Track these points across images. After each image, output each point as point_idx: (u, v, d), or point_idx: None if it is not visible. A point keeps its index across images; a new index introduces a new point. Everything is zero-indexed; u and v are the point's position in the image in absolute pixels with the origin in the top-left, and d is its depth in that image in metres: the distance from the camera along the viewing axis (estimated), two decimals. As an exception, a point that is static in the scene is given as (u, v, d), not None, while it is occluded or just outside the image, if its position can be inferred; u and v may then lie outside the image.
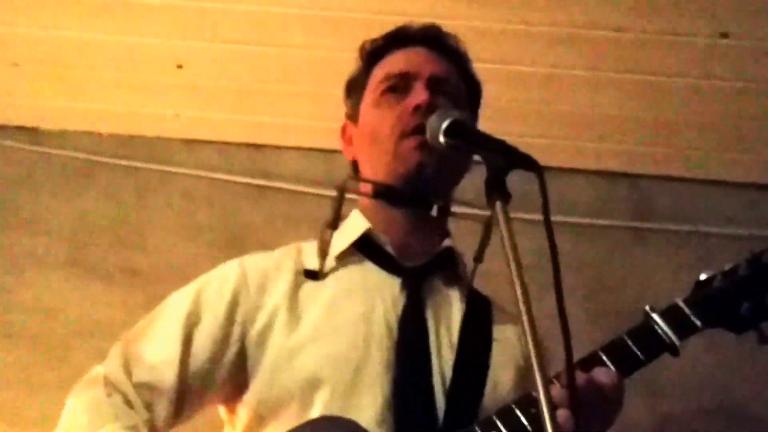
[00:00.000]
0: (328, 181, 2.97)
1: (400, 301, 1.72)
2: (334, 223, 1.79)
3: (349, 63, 2.81)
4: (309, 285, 1.74)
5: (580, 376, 1.51)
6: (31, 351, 2.91)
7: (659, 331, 1.62)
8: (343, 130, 1.95)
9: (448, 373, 1.66)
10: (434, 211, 1.77)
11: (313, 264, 1.77)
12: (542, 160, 1.37)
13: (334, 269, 1.77)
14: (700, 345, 2.82)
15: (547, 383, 1.16)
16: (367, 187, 1.83)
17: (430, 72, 1.81)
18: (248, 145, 3.19)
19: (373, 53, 1.91)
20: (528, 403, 1.54)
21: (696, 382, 2.96)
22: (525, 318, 1.21)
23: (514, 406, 1.55)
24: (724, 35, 2.66)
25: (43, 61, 2.94)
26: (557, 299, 1.29)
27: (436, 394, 1.63)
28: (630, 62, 2.79)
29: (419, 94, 1.76)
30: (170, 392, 1.65)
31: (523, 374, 1.73)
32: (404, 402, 1.61)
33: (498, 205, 1.32)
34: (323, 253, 1.77)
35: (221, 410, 1.77)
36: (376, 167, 1.81)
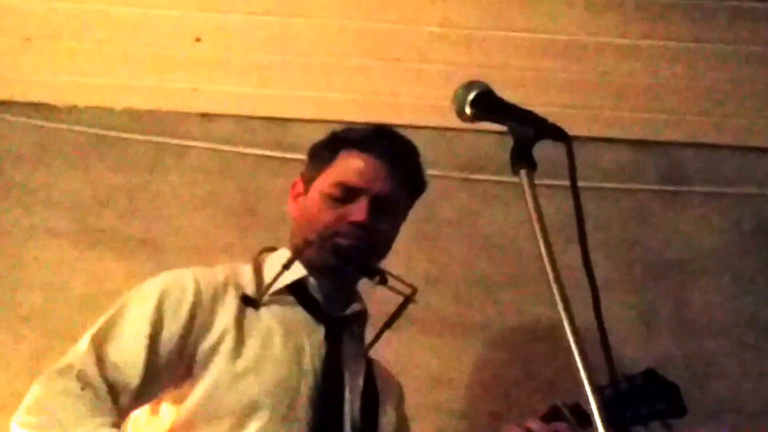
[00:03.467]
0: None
1: (323, 346, 2.01)
2: (289, 265, 2.02)
3: (368, 34, 2.76)
4: (250, 313, 1.98)
5: (544, 427, 1.86)
6: (38, 327, 2.90)
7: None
8: (295, 184, 2.18)
9: (356, 412, 2.00)
10: (375, 279, 2.05)
11: (250, 291, 2.02)
12: (570, 129, 1.39)
13: (269, 302, 2.01)
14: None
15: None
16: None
17: (377, 192, 2.04)
18: (266, 119, 3.16)
19: (343, 140, 2.11)
20: None
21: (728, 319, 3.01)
22: (552, 277, 1.29)
23: None
24: (757, -3, 2.58)
25: (56, 35, 2.89)
26: (582, 255, 1.40)
27: (345, 428, 1.96)
28: (659, 28, 2.73)
29: (358, 212, 2.01)
30: (133, 390, 1.83)
31: (399, 423, 2.14)
32: None
33: (523, 172, 1.37)
34: (260, 284, 2.03)
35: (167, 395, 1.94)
36: (302, 246, 2.04)
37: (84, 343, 1.85)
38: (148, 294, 1.93)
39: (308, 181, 2.13)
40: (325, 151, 2.13)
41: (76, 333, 1.83)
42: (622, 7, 2.67)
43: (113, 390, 1.80)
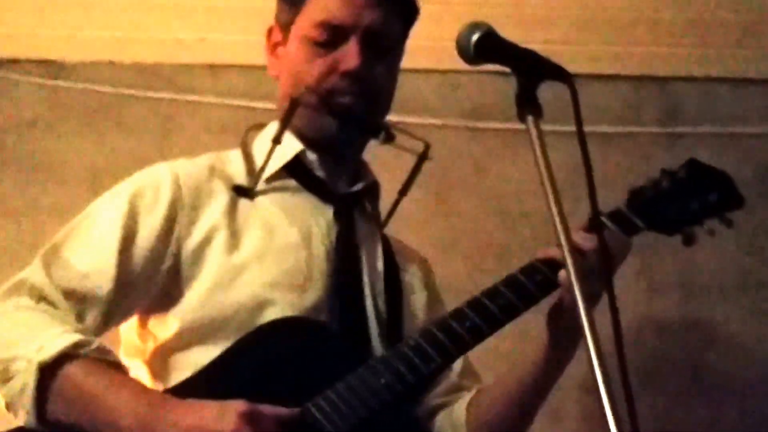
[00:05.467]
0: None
1: (334, 228, 1.81)
2: (279, 137, 1.80)
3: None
4: (244, 204, 1.78)
5: (591, 238, 1.63)
6: None
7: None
8: (269, 33, 1.91)
9: (380, 301, 1.81)
10: (381, 135, 1.82)
11: (241, 179, 1.81)
12: (568, 67, 1.40)
13: (265, 190, 1.81)
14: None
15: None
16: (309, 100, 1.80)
17: (367, 25, 1.78)
18: None
19: None
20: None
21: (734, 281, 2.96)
22: (561, 232, 1.27)
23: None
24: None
25: None
26: (592, 208, 1.35)
27: (370, 323, 1.78)
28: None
29: (350, 58, 1.75)
30: (102, 302, 1.66)
31: (429, 300, 1.95)
32: (344, 329, 1.73)
33: (530, 119, 1.35)
34: (253, 170, 1.81)
35: (127, 325, 1.77)
36: (307, 115, 1.80)
37: (39, 256, 1.68)
38: (118, 193, 1.75)
39: (285, 26, 1.86)
40: None
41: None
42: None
43: (77, 304, 1.64)
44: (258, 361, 1.66)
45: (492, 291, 1.68)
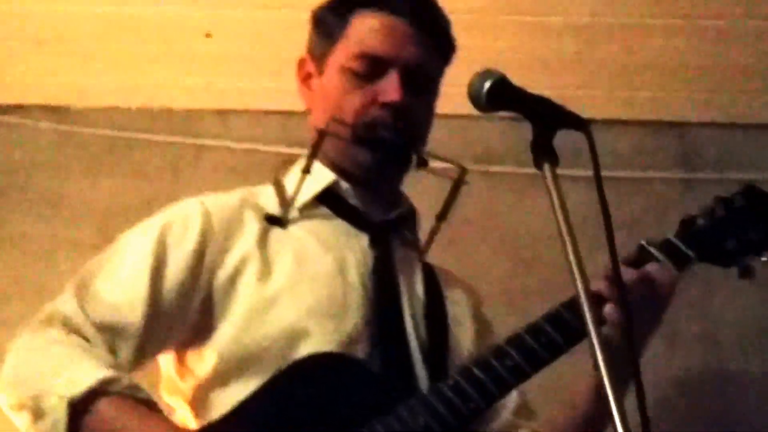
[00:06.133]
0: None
1: (370, 256, 1.73)
2: (308, 167, 1.75)
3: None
4: (276, 232, 1.72)
5: (631, 272, 1.58)
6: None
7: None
8: (301, 64, 1.88)
9: (422, 330, 1.72)
10: (413, 162, 1.76)
11: (273, 210, 1.75)
12: (583, 112, 1.36)
13: (297, 219, 1.75)
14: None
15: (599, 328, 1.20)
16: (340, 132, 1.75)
17: (407, 59, 1.74)
18: (284, 113, 3.08)
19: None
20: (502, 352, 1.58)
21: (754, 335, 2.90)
22: (579, 280, 1.22)
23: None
24: (768, -27, 2.54)
25: (66, 37, 2.87)
26: (611, 257, 1.31)
27: (412, 352, 1.69)
28: (671, 6, 2.69)
29: (391, 91, 1.71)
30: (135, 335, 1.61)
31: (479, 331, 1.84)
32: (386, 360, 1.64)
33: (546, 167, 1.32)
34: (285, 200, 1.76)
35: (166, 362, 1.73)
36: (340, 146, 1.76)
37: (69, 286, 1.64)
38: (149, 226, 1.70)
39: (319, 57, 1.82)
40: (333, 16, 1.81)
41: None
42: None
43: (109, 337, 1.58)
44: (294, 400, 1.59)
45: (534, 328, 1.59)
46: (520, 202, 2.94)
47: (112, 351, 1.59)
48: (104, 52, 2.94)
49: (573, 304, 1.52)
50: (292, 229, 1.74)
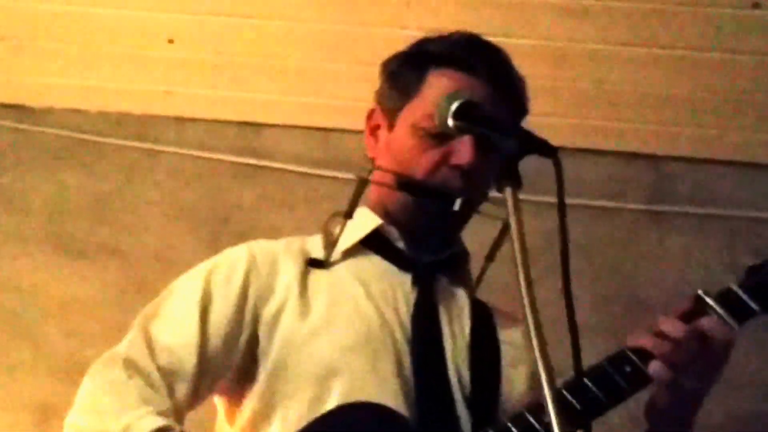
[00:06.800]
0: (323, 161, 2.95)
1: (412, 295, 1.71)
2: (350, 212, 1.74)
3: (345, 37, 2.68)
4: (317, 273, 1.72)
5: (681, 327, 1.49)
6: (8, 330, 2.91)
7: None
8: (370, 115, 1.84)
9: (464, 371, 1.67)
10: (457, 206, 1.68)
11: (318, 254, 1.75)
12: (555, 139, 1.33)
13: (339, 260, 1.74)
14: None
15: (552, 378, 1.21)
16: (385, 179, 1.75)
17: None
18: (241, 123, 3.11)
19: (430, 56, 1.76)
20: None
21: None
22: (528, 309, 1.21)
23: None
24: (756, 5, 2.48)
25: (28, 35, 2.86)
26: (564, 284, 1.28)
27: (454, 394, 1.63)
28: (647, 35, 2.65)
29: (465, 153, 1.65)
30: (190, 376, 1.61)
31: (534, 374, 1.60)
32: (425, 400, 1.60)
33: (508, 190, 1.29)
34: (329, 244, 1.75)
35: (220, 404, 1.75)
36: (397, 196, 1.74)
37: (131, 330, 1.66)
38: (198, 269, 1.72)
39: (391, 111, 1.77)
40: (409, 72, 1.76)
41: (49, 337, 1.72)
42: (607, 12, 2.59)
43: (168, 378, 1.60)
44: None
45: (575, 384, 1.50)
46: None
47: (171, 392, 1.60)
48: (66, 53, 2.93)
49: (617, 358, 1.53)
50: (334, 270, 1.73)
